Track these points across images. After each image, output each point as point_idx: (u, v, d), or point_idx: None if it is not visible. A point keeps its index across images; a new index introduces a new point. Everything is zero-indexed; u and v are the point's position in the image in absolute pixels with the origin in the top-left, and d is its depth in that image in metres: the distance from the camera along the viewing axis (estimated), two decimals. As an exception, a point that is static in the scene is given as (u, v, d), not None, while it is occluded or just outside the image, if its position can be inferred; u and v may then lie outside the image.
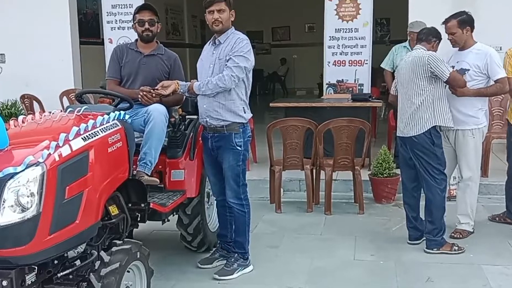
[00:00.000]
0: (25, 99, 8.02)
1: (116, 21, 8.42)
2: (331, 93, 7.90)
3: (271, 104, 7.55)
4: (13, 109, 7.83)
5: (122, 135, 3.52)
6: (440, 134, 4.56)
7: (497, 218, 5.26)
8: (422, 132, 4.46)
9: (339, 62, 7.88)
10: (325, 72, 8.03)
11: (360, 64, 7.81)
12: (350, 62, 7.84)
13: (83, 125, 3.21)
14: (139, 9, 4.51)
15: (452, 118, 4.55)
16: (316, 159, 5.88)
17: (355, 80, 7.82)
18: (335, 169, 5.83)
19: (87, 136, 3.19)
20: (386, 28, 17.48)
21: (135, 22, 4.44)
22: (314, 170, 5.93)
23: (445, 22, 4.73)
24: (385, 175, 5.94)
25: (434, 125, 4.47)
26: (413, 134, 4.50)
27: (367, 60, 7.81)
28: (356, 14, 7.78)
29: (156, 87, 4.08)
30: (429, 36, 4.61)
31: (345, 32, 7.84)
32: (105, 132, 3.36)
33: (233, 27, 4.14)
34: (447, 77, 4.39)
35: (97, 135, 3.27)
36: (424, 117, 4.45)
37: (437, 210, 4.55)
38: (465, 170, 4.78)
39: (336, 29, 7.85)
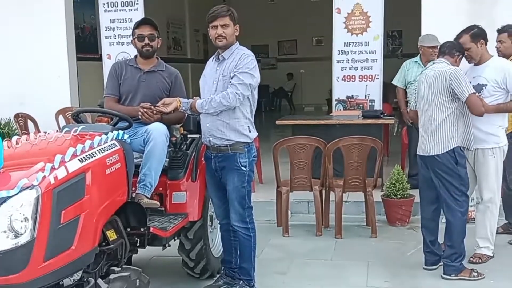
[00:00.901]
0: (19, 118, 8.05)
1: (115, 36, 8.47)
2: (340, 110, 7.88)
3: (277, 122, 7.57)
4: (6, 128, 7.85)
5: (120, 156, 3.53)
6: (463, 154, 4.54)
7: (500, 230, 5.33)
8: (445, 151, 4.45)
9: (348, 77, 7.88)
10: (334, 87, 8.03)
11: (371, 79, 7.80)
12: (360, 77, 7.83)
13: (79, 146, 3.22)
14: (139, 24, 4.55)
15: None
16: (325, 179, 5.87)
17: (365, 96, 7.81)
18: (346, 190, 5.82)
19: (84, 157, 3.20)
20: (398, 41, 17.57)
21: (134, 37, 4.48)
22: (323, 191, 5.92)
23: (457, 38, 4.74)
24: (398, 196, 5.92)
25: (458, 145, 4.46)
26: (435, 153, 4.49)
27: (378, 75, 7.81)
28: (366, 27, 7.79)
29: (157, 104, 4.11)
30: (453, 50, 4.61)
31: (355, 45, 7.84)
32: (102, 153, 3.37)
33: (237, 42, 4.17)
34: (466, 98, 4.38)
35: (95, 156, 3.28)
36: (447, 135, 4.44)
37: (457, 234, 4.52)
38: (485, 192, 4.76)
39: (345, 42, 7.85)
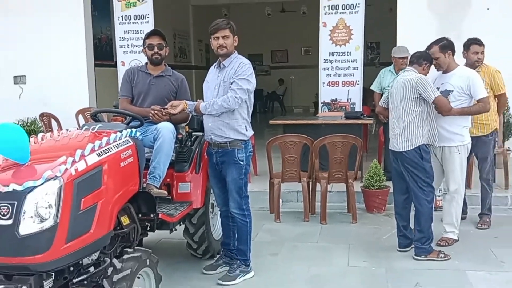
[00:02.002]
0: (44, 117, 8.02)
1: (128, 45, 8.45)
2: (325, 111, 7.89)
3: (270, 122, 7.56)
4: (32, 126, 7.82)
5: (133, 151, 3.51)
6: (428, 150, 4.56)
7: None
8: (412, 148, 4.46)
9: (333, 82, 7.89)
10: (320, 92, 8.03)
11: (352, 85, 7.81)
12: (343, 83, 7.84)
13: (97, 142, 3.21)
14: (149, 35, 4.53)
15: (438, 136, 4.56)
16: (312, 172, 5.87)
17: (347, 99, 7.82)
18: (330, 181, 5.82)
19: (101, 152, 3.19)
20: (376, 51, 17.54)
21: (145, 46, 4.46)
22: (310, 183, 5.92)
23: (428, 48, 4.74)
24: (376, 187, 5.93)
25: (422, 143, 4.47)
26: (403, 150, 4.50)
27: (358, 81, 7.82)
28: (348, 39, 7.79)
29: (166, 106, 4.10)
30: (420, 59, 4.60)
31: (339, 55, 7.85)
32: (117, 148, 3.35)
33: (236, 51, 4.16)
34: (433, 100, 4.39)
35: (110, 151, 3.27)
36: (414, 134, 4.45)
37: (425, 219, 4.53)
38: (451, 184, 4.77)
39: (330, 52, 7.85)
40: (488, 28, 6.71)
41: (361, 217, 5.78)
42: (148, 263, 3.33)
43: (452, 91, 4.64)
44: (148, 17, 8.34)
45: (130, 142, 3.51)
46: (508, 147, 6.67)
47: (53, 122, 8.12)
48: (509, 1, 7.08)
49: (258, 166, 7.24)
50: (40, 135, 3.50)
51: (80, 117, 8.02)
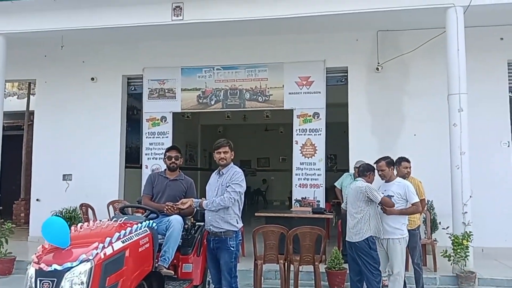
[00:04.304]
0: (83, 207, 7.84)
1: (151, 153, 8.54)
2: (297, 206, 7.85)
3: (256, 214, 7.47)
4: (73, 213, 7.59)
5: (150, 239, 3.45)
6: (375, 241, 4.50)
7: None
8: (362, 239, 4.41)
9: (302, 185, 7.94)
10: (293, 191, 8.04)
11: (317, 187, 7.87)
12: (310, 185, 7.90)
13: (122, 231, 3.17)
14: (169, 149, 4.62)
15: (383, 230, 4.54)
16: (287, 255, 5.70)
17: (314, 198, 7.83)
18: (301, 263, 5.61)
19: (125, 239, 3.13)
20: (334, 161, 17.85)
21: (165, 157, 4.54)
22: (285, 264, 5.71)
23: (377, 162, 4.86)
24: (336, 268, 5.74)
25: (370, 235, 4.43)
26: (356, 241, 4.45)
27: (322, 184, 7.88)
28: (314, 153, 7.97)
29: (177, 203, 4.07)
30: (365, 172, 4.71)
31: (307, 165, 7.97)
32: (138, 236, 3.31)
33: (232, 162, 4.22)
34: (379, 201, 4.43)
35: (132, 239, 3.21)
36: (364, 228, 4.43)
37: None
38: (395, 267, 4.64)
39: (300, 162, 7.98)
40: (415, 149, 6.94)
41: (325, 293, 5.53)
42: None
43: (393, 196, 4.69)
44: (168, 133, 8.52)
45: (147, 231, 3.46)
46: (435, 238, 6.60)
47: (89, 211, 7.92)
48: (431, 129, 7.32)
49: (246, 248, 7.02)
50: (79, 224, 3.43)
51: (111, 207, 7.86)
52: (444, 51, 6.21)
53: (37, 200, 8.62)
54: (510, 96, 7.44)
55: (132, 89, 8.89)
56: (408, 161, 5.34)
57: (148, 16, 6.76)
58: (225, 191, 3.98)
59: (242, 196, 4.13)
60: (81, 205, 7.80)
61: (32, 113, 9.63)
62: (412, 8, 6.26)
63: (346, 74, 7.95)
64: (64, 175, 8.63)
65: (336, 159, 18.21)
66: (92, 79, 8.64)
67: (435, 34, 6.85)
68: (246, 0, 6.52)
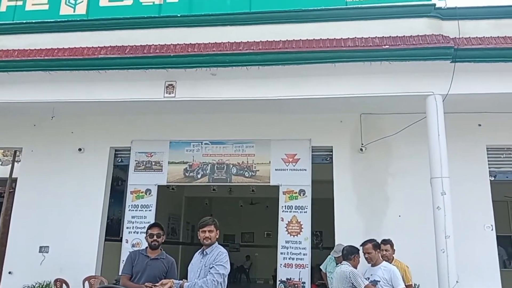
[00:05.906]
0: (57, 282, 7.41)
1: (133, 227, 8.28)
2: None
3: (239, 294, 7.14)
4: (46, 288, 7.17)
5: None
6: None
7: None
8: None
9: (288, 264, 7.71)
10: (278, 271, 7.77)
11: (303, 267, 7.64)
12: (296, 265, 7.67)
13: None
14: (151, 226, 4.54)
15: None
16: None
17: (299, 279, 7.57)
18: None
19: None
20: (320, 238, 17.56)
21: (147, 235, 4.44)
22: None
23: (363, 244, 4.82)
24: None
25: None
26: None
27: (307, 265, 7.65)
28: (299, 231, 7.85)
29: (156, 284, 3.91)
30: (348, 255, 4.66)
31: (292, 243, 7.80)
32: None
33: (217, 241, 4.13)
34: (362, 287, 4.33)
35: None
36: (348, 310, 4.29)
37: None
38: None
39: (286, 240, 7.81)
40: (400, 230, 6.91)
41: None
42: None
43: (379, 281, 4.60)
44: (151, 206, 8.33)
45: (124, 315, 3.25)
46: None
47: (64, 286, 7.46)
48: (415, 211, 7.31)
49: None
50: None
51: (86, 283, 7.43)
52: (425, 134, 6.46)
53: (9, 273, 8.14)
54: (490, 180, 7.62)
55: (119, 160, 8.88)
56: (387, 243, 5.31)
57: (142, 92, 7.00)
58: (208, 272, 3.85)
59: (226, 279, 3.99)
60: (56, 280, 7.39)
61: (14, 180, 9.44)
62: (393, 95, 6.62)
63: (331, 153, 8.13)
64: (41, 247, 8.25)
65: (322, 236, 17.96)
66: (80, 149, 8.64)
67: (417, 119, 7.17)
68: (236, 82, 6.85)
